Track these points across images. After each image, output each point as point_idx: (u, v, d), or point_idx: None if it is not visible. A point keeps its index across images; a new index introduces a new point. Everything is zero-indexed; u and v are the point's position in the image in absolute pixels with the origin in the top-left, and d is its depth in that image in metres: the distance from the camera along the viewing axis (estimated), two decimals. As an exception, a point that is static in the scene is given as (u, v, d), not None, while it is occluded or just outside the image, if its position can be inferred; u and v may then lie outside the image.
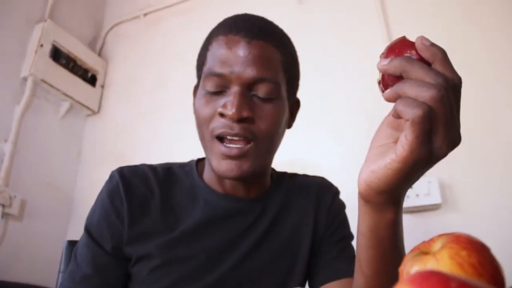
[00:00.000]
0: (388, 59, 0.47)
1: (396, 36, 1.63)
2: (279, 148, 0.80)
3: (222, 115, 0.70)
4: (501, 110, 1.44)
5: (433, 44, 0.46)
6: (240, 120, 0.69)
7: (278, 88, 0.74)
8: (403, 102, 0.43)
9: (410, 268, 0.37)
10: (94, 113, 2.25)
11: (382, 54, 0.50)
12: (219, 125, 0.70)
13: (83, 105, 2.16)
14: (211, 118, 0.72)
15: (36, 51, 1.93)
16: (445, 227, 1.37)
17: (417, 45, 0.46)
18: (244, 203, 0.80)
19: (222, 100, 0.71)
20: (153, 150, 2.03)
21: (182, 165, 0.86)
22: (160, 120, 2.09)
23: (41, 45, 1.95)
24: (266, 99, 0.72)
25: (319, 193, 0.87)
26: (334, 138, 1.66)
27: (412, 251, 0.39)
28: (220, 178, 0.78)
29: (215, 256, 0.75)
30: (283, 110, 0.76)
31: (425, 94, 0.42)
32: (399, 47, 0.48)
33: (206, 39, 0.81)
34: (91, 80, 2.22)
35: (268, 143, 0.74)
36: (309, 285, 0.82)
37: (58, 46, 2.04)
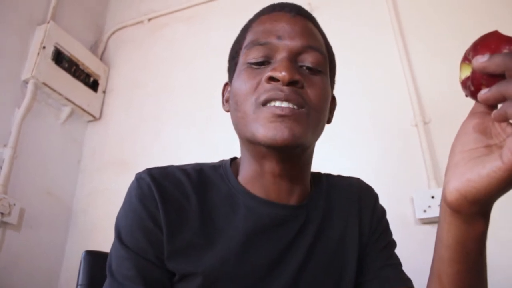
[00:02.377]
0: (487, 55, 0.42)
1: (410, 42, 1.61)
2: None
3: (271, 78, 0.64)
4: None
5: None
6: (291, 83, 0.64)
7: (325, 61, 0.71)
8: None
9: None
10: (95, 119, 2.17)
11: (470, 50, 0.46)
12: (266, 89, 0.64)
13: (84, 110, 2.08)
14: (255, 90, 0.66)
15: (38, 53, 1.85)
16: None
17: None
18: (289, 210, 0.72)
19: (267, 69, 0.66)
20: (156, 158, 1.96)
21: (214, 166, 0.77)
22: (162, 127, 2.03)
23: (44, 47, 1.87)
24: (314, 70, 0.68)
25: (361, 195, 0.81)
26: (348, 145, 1.62)
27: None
28: (262, 157, 0.69)
29: (265, 272, 0.67)
30: (329, 88, 0.72)
31: None
32: (496, 42, 0.44)
33: (243, 28, 0.77)
34: (93, 85, 2.15)
35: (318, 115, 0.68)
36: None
37: (61, 49, 1.97)
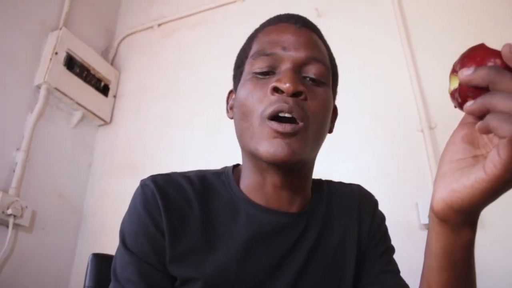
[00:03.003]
0: (472, 68, 0.43)
1: (416, 47, 1.62)
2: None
3: (275, 89, 0.66)
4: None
5: None
6: (295, 94, 0.66)
7: (328, 73, 0.72)
8: (498, 117, 0.39)
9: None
10: (106, 123, 2.21)
11: (458, 62, 0.47)
12: (272, 102, 0.66)
13: (95, 115, 2.12)
14: (261, 101, 0.67)
15: (50, 59, 1.90)
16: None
17: (504, 53, 0.42)
18: (289, 217, 0.73)
19: (272, 81, 0.68)
20: (165, 161, 1.98)
21: (216, 173, 0.79)
22: (172, 131, 2.06)
23: (56, 53, 1.92)
24: (317, 82, 0.70)
25: (361, 202, 0.82)
26: (354, 151, 1.63)
27: None
28: (264, 170, 0.71)
29: (265, 278, 0.69)
30: (331, 99, 0.73)
31: None
32: (481, 55, 0.45)
33: (249, 37, 0.79)
34: (104, 89, 2.19)
35: (318, 128, 0.69)
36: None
37: (73, 55, 2.01)
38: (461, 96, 0.46)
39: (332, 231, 0.77)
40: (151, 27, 2.39)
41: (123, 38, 2.45)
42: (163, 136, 2.07)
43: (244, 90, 0.71)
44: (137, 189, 0.73)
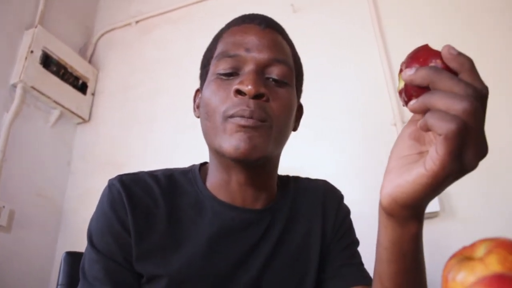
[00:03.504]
0: (413, 69, 0.45)
1: (390, 43, 1.65)
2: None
3: (238, 91, 0.67)
4: (500, 117, 1.45)
5: (460, 54, 0.44)
6: (256, 96, 0.67)
7: (291, 74, 0.74)
8: (435, 116, 0.41)
9: (456, 273, 0.35)
10: (84, 121, 2.20)
11: (404, 62, 0.49)
12: (234, 104, 0.67)
13: (73, 113, 2.11)
14: (224, 102, 0.69)
15: (26, 58, 1.88)
16: (444, 234, 1.36)
17: (444, 54, 0.44)
18: (253, 214, 0.75)
19: (235, 82, 0.69)
20: (146, 159, 1.99)
21: (184, 172, 0.80)
22: (153, 128, 2.06)
23: (32, 52, 1.90)
24: (280, 83, 0.71)
25: (325, 197, 0.84)
26: (329, 145, 1.65)
27: (454, 256, 0.38)
28: (228, 167, 0.72)
29: (229, 273, 0.71)
30: (294, 99, 0.75)
31: (458, 107, 0.40)
32: (424, 56, 0.46)
33: (214, 37, 0.81)
34: (82, 87, 2.18)
35: (280, 128, 0.71)
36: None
37: (49, 53, 2.00)
38: (406, 95, 0.47)
39: (297, 226, 0.79)
40: (129, 24, 2.38)
41: (102, 35, 2.43)
42: (145, 134, 2.07)
43: (208, 90, 0.72)
44: (105, 188, 0.75)
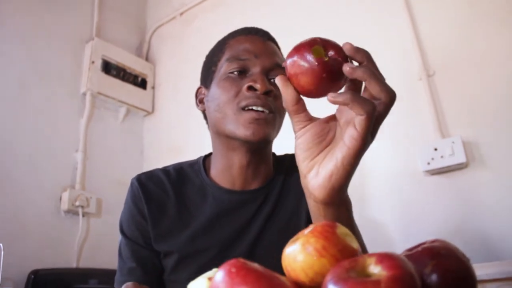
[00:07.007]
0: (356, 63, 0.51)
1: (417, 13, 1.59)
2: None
3: (251, 88, 0.84)
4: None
5: (360, 48, 0.51)
6: (266, 92, 0.84)
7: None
8: (360, 100, 0.48)
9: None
10: (149, 113, 2.48)
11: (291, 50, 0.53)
12: (246, 97, 0.84)
13: (138, 108, 2.40)
14: (236, 95, 0.85)
15: (89, 68, 2.18)
16: (472, 185, 1.38)
17: (347, 48, 0.51)
18: (248, 195, 0.91)
19: (245, 80, 0.86)
20: (205, 142, 2.18)
21: (191, 164, 0.98)
22: (208, 113, 2.24)
23: (93, 62, 2.19)
24: None
25: None
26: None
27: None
28: (233, 150, 0.89)
29: (226, 245, 0.87)
30: None
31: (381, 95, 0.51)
32: (304, 49, 0.51)
33: (219, 43, 0.97)
34: (142, 83, 2.45)
35: (281, 119, 0.90)
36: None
37: (108, 59, 2.28)
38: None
39: (288, 200, 0.93)
40: (174, 17, 2.57)
41: (153, 32, 2.65)
42: (201, 119, 2.26)
43: (221, 86, 0.88)
44: (129, 187, 0.95)
